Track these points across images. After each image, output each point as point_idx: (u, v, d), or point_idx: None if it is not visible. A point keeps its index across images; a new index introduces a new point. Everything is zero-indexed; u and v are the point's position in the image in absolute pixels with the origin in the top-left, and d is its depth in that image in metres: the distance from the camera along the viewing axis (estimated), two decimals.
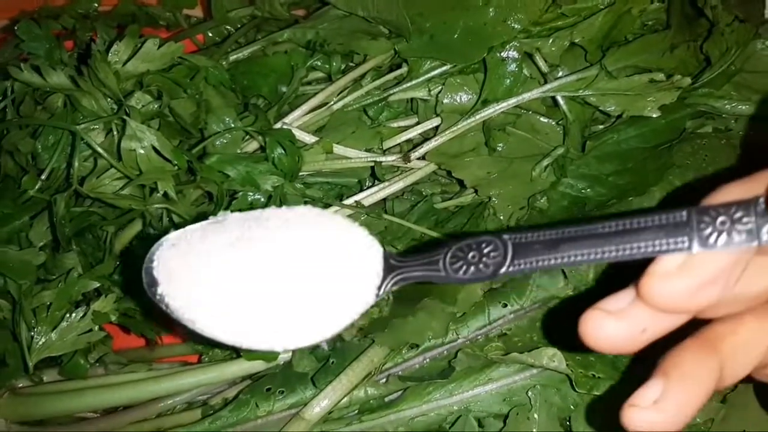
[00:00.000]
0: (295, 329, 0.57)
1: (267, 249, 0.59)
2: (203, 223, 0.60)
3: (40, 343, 0.89)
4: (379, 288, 0.57)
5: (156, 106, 0.91)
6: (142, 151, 0.87)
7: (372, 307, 0.58)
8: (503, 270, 0.51)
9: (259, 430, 0.89)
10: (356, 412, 0.91)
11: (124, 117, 0.87)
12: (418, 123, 1.05)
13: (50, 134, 0.90)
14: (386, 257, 0.58)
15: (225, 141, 0.99)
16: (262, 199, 0.98)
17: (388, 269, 0.58)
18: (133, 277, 0.98)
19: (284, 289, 0.58)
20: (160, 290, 0.57)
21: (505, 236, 0.52)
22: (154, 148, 0.88)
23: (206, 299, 0.57)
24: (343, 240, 0.59)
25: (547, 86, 0.96)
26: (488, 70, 0.97)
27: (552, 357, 0.83)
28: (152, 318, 1.00)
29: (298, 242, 0.59)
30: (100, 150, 0.85)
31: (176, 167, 0.90)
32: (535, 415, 0.85)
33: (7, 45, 1.06)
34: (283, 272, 0.58)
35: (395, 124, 1.06)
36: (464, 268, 0.54)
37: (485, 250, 0.54)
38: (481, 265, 0.53)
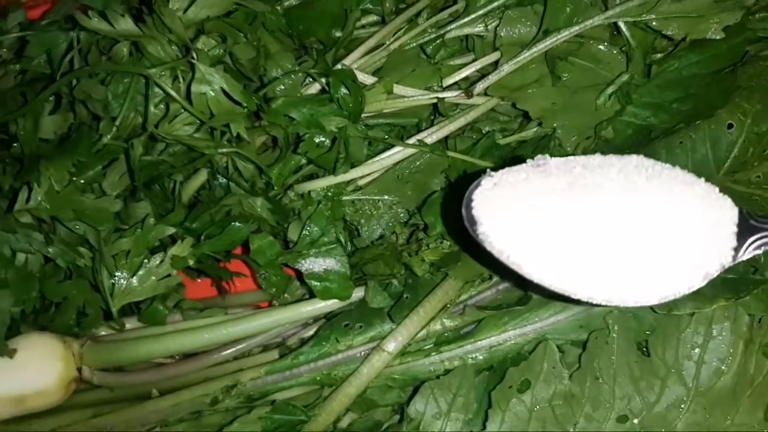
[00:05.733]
0: (639, 285, 0.57)
1: (605, 199, 0.57)
2: (523, 165, 0.59)
3: (122, 288, 0.91)
4: (737, 250, 0.55)
5: (221, 50, 0.91)
6: (212, 94, 0.88)
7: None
8: None
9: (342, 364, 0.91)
10: (433, 344, 0.92)
11: (193, 61, 0.87)
12: (475, 60, 1.05)
13: (119, 83, 0.90)
14: (743, 217, 0.56)
15: (285, 86, 0.99)
16: (327, 142, 0.98)
17: (748, 230, 0.56)
18: None
19: (628, 242, 0.57)
20: (482, 229, 0.57)
21: None
22: (224, 91, 0.89)
23: (536, 244, 0.57)
24: (689, 194, 0.58)
25: (609, 12, 0.95)
26: None
27: None
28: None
29: (639, 194, 0.57)
30: (173, 93, 0.86)
31: (245, 109, 0.90)
32: (614, 340, 0.86)
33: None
34: (626, 225, 0.57)
35: (452, 62, 1.06)
36: None
37: None
38: None
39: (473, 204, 0.59)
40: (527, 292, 0.90)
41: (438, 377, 0.90)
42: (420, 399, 0.86)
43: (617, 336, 0.86)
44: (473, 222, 0.59)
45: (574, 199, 0.58)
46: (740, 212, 0.58)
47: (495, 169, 0.62)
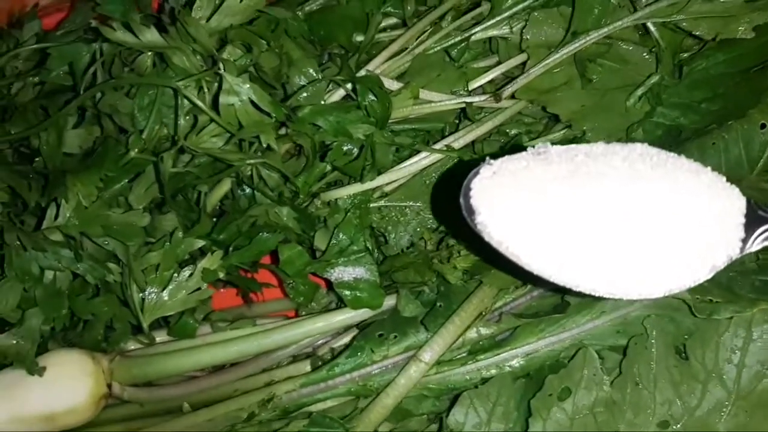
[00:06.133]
0: (643, 277, 0.55)
1: (608, 187, 0.55)
2: (524, 153, 0.57)
3: (152, 303, 0.90)
4: (745, 242, 0.53)
5: (248, 60, 0.90)
6: (240, 105, 0.86)
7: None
8: None
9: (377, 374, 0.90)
10: (468, 352, 0.91)
11: (220, 72, 0.86)
12: (499, 62, 1.04)
13: (144, 95, 0.89)
14: (752, 207, 0.54)
15: (309, 94, 0.98)
16: (354, 150, 0.97)
17: (756, 221, 0.54)
18: None
19: (632, 233, 0.54)
20: (480, 219, 0.55)
21: None
22: (252, 102, 0.87)
23: (536, 234, 0.55)
24: (695, 184, 0.55)
25: (638, 14, 0.94)
26: (576, 0, 0.95)
27: None
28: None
29: (644, 183, 0.55)
30: (203, 106, 0.85)
31: (274, 119, 0.89)
32: (653, 345, 0.85)
33: (80, 9, 1.04)
34: (630, 214, 0.55)
35: (476, 65, 1.05)
36: None
37: None
38: None
39: (471, 193, 0.57)
40: (564, 299, 0.89)
41: (475, 386, 0.89)
42: (459, 409, 0.86)
43: (656, 341, 0.85)
44: (471, 212, 0.57)
45: (576, 188, 0.56)
46: (748, 203, 0.56)
47: (494, 157, 0.60)
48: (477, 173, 0.58)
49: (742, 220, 0.56)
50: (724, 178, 0.57)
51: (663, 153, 0.58)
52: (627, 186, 0.56)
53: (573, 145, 0.59)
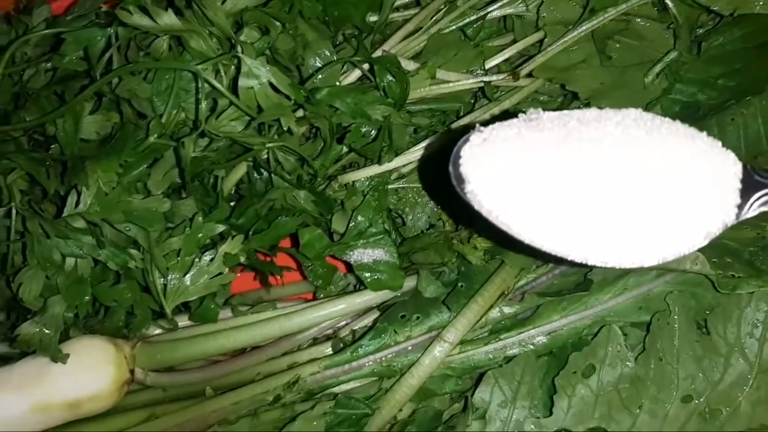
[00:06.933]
0: (637, 246, 0.53)
1: (601, 153, 0.54)
2: (515, 120, 0.55)
3: (174, 288, 0.89)
4: (741, 208, 0.52)
5: (265, 43, 0.89)
6: (259, 88, 0.86)
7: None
8: None
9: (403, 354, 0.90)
10: (490, 331, 0.92)
11: (239, 55, 0.85)
12: (514, 41, 1.03)
13: (162, 79, 0.88)
14: (748, 172, 0.52)
15: (324, 75, 0.97)
16: (372, 131, 0.97)
17: (752, 186, 0.52)
18: None
19: (625, 199, 0.53)
20: (469, 188, 0.54)
21: None
22: (271, 84, 0.86)
23: (527, 203, 0.53)
24: (690, 149, 0.54)
25: None
26: None
27: (695, 260, 0.83)
28: None
29: (638, 148, 0.54)
30: (223, 89, 0.84)
31: (292, 102, 0.88)
32: (675, 320, 0.85)
33: None
34: (623, 181, 0.53)
35: (491, 44, 1.04)
36: None
37: None
38: None
39: (461, 161, 0.55)
40: (587, 276, 0.90)
41: (498, 364, 0.89)
42: (484, 388, 0.86)
43: (678, 316, 0.85)
44: (461, 180, 0.55)
45: (568, 154, 0.55)
46: (744, 167, 0.55)
47: (485, 124, 0.58)
48: (467, 140, 0.56)
49: (738, 185, 0.55)
50: (720, 143, 0.56)
51: (657, 118, 0.57)
52: (620, 152, 0.55)
53: (565, 111, 0.57)
